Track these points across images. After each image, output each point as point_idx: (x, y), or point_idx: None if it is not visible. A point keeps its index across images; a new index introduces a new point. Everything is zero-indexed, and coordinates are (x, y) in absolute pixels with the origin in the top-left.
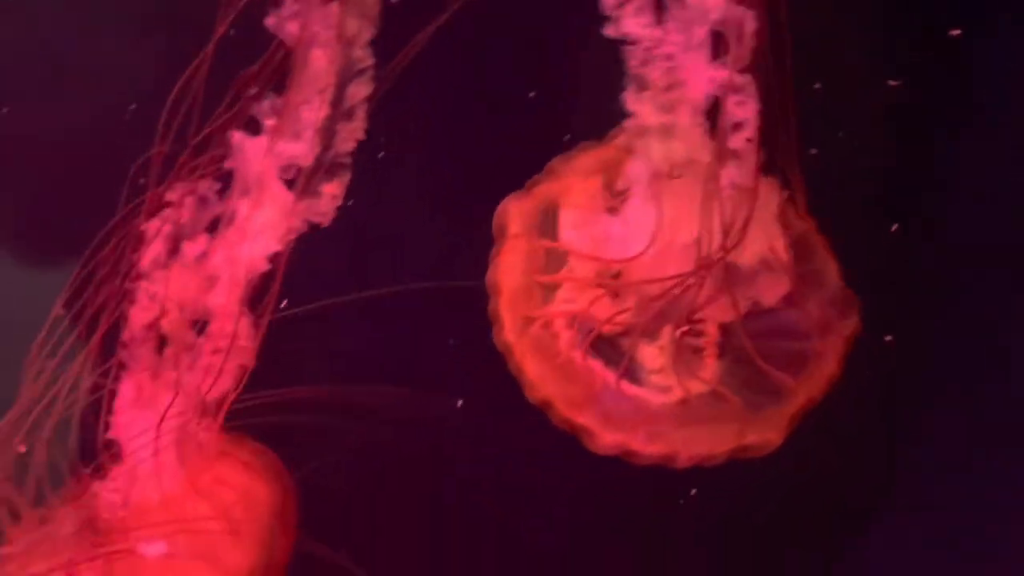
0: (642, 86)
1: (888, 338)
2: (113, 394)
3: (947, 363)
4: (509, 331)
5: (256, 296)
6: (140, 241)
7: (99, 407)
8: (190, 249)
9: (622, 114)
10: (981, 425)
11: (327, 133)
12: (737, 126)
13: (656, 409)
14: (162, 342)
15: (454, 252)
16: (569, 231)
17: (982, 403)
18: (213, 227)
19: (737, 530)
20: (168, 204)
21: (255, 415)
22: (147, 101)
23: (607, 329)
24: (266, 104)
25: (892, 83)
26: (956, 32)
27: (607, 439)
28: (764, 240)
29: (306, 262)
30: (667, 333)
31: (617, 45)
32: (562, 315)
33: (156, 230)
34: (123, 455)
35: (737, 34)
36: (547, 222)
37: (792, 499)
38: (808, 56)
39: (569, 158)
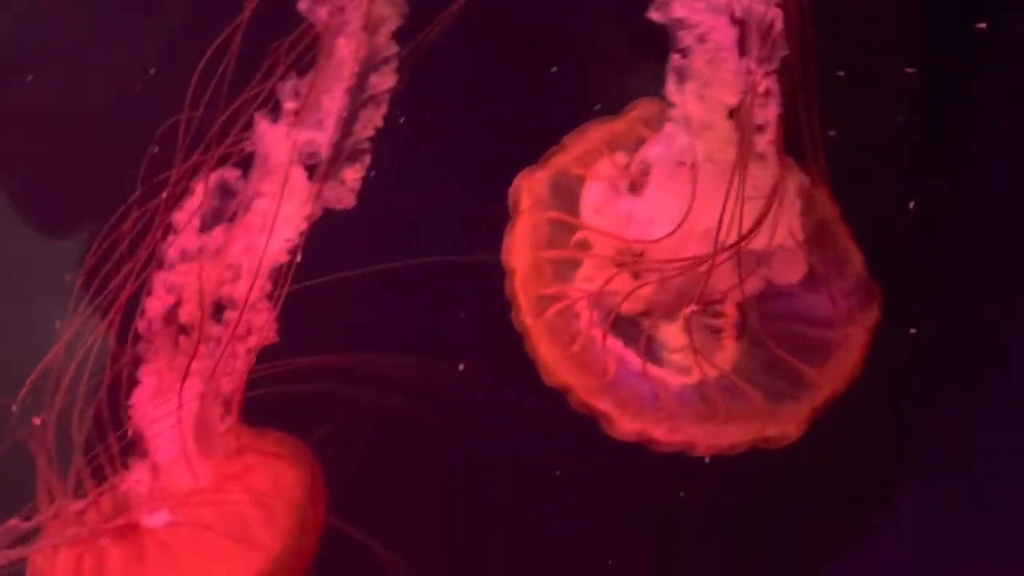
0: (684, 75)
1: (912, 331)
2: (132, 382)
3: (970, 354)
4: (526, 313)
5: (275, 273)
6: (158, 229)
7: (117, 392)
8: (209, 237)
9: (643, 89)
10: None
11: (349, 119)
12: (762, 114)
13: (676, 392)
14: (181, 330)
15: (475, 228)
16: (590, 209)
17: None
18: (233, 214)
19: (751, 521)
20: (189, 191)
21: (269, 384)
22: (173, 73)
23: (627, 308)
24: (289, 86)
25: (909, 70)
26: (982, 25)
27: (626, 426)
28: (784, 224)
29: (324, 234)
30: (686, 313)
31: (639, 19)
32: (581, 294)
33: (175, 219)
34: (146, 444)
35: (765, 31)
36: (565, 197)
37: (808, 491)
38: (832, 44)
39: (582, 131)
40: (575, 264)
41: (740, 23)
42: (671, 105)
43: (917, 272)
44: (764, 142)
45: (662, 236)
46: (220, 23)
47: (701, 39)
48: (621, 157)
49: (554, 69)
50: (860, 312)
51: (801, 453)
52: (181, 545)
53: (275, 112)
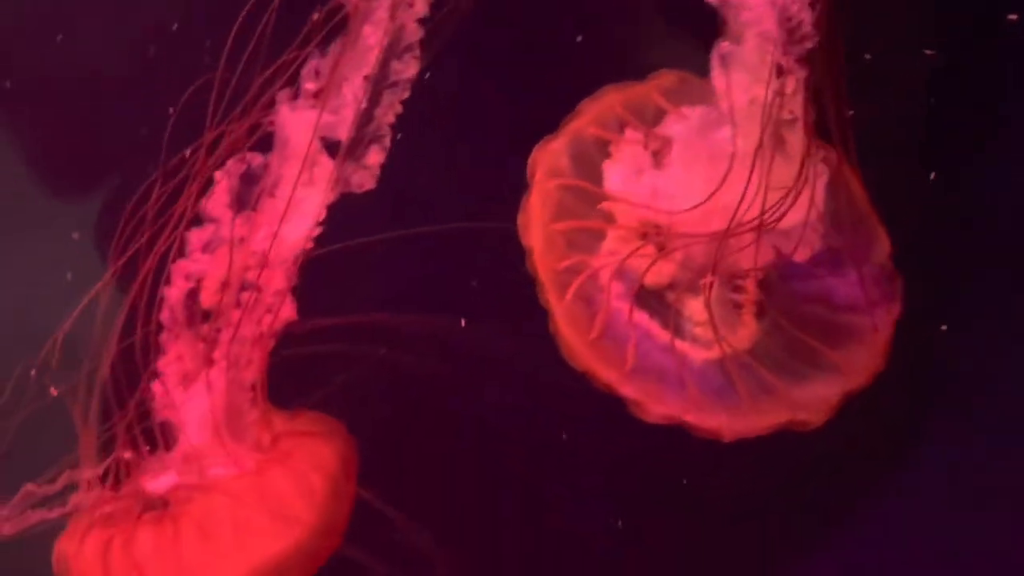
0: (726, 57)
1: (943, 327)
2: (154, 370)
3: (995, 342)
4: (548, 291)
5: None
6: (180, 208)
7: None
8: (232, 225)
9: (668, 61)
10: None
11: (370, 104)
12: (791, 97)
13: (699, 369)
14: (202, 317)
15: (496, 197)
16: (614, 181)
17: None
18: (255, 200)
19: (777, 505)
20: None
21: (285, 347)
22: (202, 35)
23: (652, 281)
24: (311, 67)
25: (928, 52)
26: (1013, 17)
27: (653, 410)
28: (806, 203)
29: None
30: (712, 286)
31: None
32: (604, 265)
33: (201, 207)
34: (175, 429)
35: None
36: (584, 162)
37: (831, 476)
38: (858, 28)
39: (597, 95)
40: (598, 235)
41: (777, 8)
42: (705, 79)
43: (941, 258)
44: (793, 124)
45: (687, 209)
46: None
47: (746, 23)
48: (638, 129)
49: (579, 38)
50: (886, 298)
51: (824, 440)
52: (216, 524)
53: (296, 94)
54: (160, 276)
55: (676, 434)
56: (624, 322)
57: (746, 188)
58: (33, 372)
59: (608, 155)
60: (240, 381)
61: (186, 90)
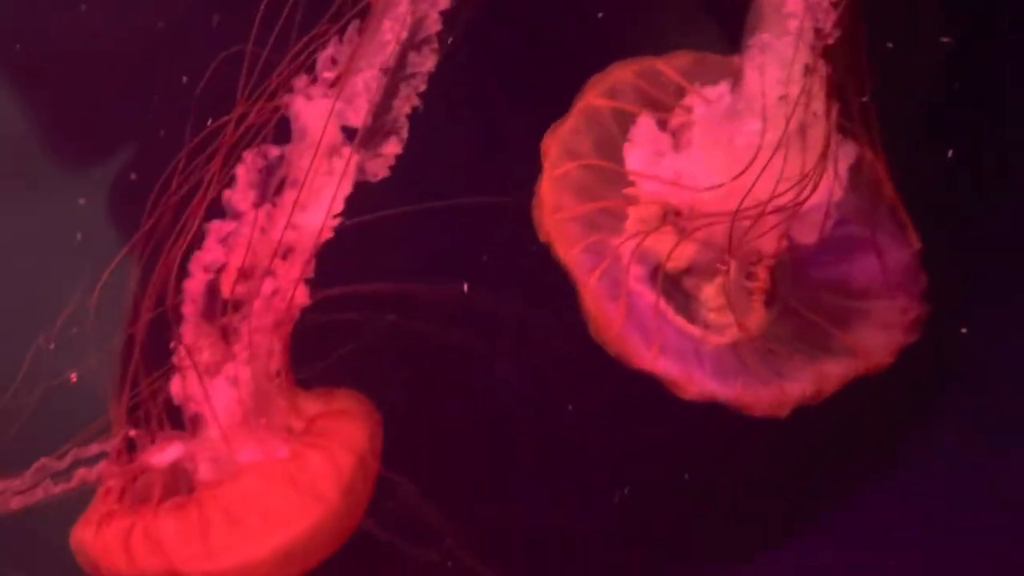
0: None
1: (964, 330)
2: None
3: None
4: (575, 276)
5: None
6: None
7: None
8: (252, 215)
9: (690, 42)
10: None
11: (388, 94)
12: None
13: (714, 352)
14: (223, 307)
15: (519, 175)
16: (634, 162)
17: None
18: (273, 191)
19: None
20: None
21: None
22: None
23: (670, 265)
24: (328, 55)
25: (945, 40)
26: None
27: (691, 389)
28: (828, 189)
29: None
30: (727, 271)
31: None
32: (625, 248)
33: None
34: (201, 418)
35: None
36: (600, 136)
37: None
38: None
39: (607, 72)
40: (619, 215)
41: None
42: (720, 59)
43: (960, 245)
44: (817, 114)
45: (707, 192)
46: None
47: (783, 17)
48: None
49: (601, 15)
50: (906, 286)
51: (829, 428)
52: (244, 508)
53: (313, 81)
54: (177, 259)
55: (690, 414)
56: (645, 304)
57: (768, 174)
58: (52, 346)
59: (627, 130)
60: (264, 370)
61: (195, 65)
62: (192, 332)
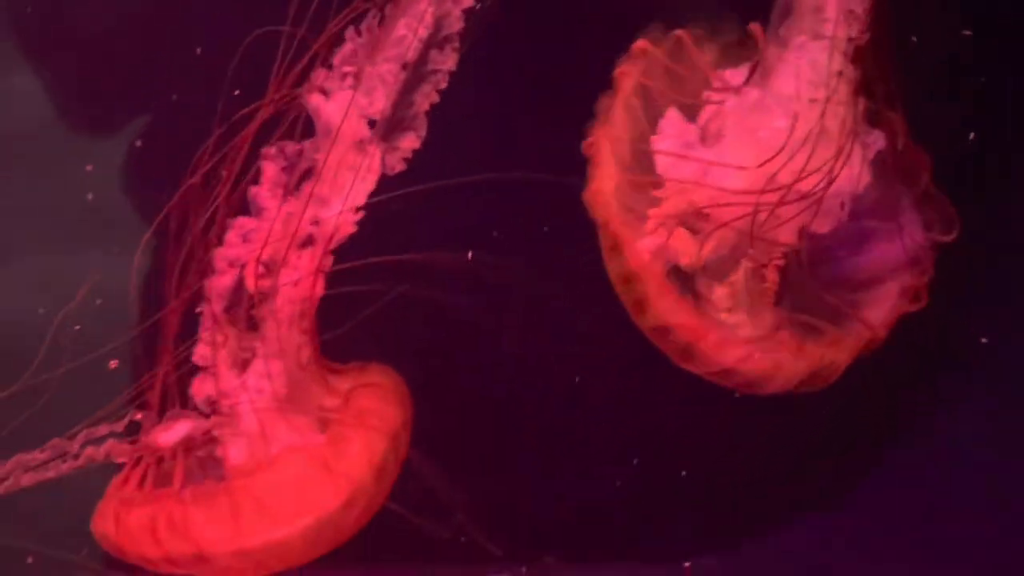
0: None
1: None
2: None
3: None
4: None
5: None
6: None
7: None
8: (276, 210)
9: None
10: None
11: (407, 90)
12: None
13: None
14: (249, 300)
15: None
16: (663, 159)
17: None
18: (295, 186)
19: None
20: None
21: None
22: None
23: (685, 263)
24: (347, 50)
25: (967, 32)
26: None
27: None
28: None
29: None
30: (740, 270)
31: None
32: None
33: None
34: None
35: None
36: (638, 124)
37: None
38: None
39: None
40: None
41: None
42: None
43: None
44: (844, 107)
45: (731, 183)
46: None
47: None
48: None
49: None
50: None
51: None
52: (277, 492)
53: (333, 76)
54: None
55: (698, 391)
56: None
57: (791, 168)
58: (78, 328)
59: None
60: (295, 359)
61: (212, 35)
62: (219, 326)
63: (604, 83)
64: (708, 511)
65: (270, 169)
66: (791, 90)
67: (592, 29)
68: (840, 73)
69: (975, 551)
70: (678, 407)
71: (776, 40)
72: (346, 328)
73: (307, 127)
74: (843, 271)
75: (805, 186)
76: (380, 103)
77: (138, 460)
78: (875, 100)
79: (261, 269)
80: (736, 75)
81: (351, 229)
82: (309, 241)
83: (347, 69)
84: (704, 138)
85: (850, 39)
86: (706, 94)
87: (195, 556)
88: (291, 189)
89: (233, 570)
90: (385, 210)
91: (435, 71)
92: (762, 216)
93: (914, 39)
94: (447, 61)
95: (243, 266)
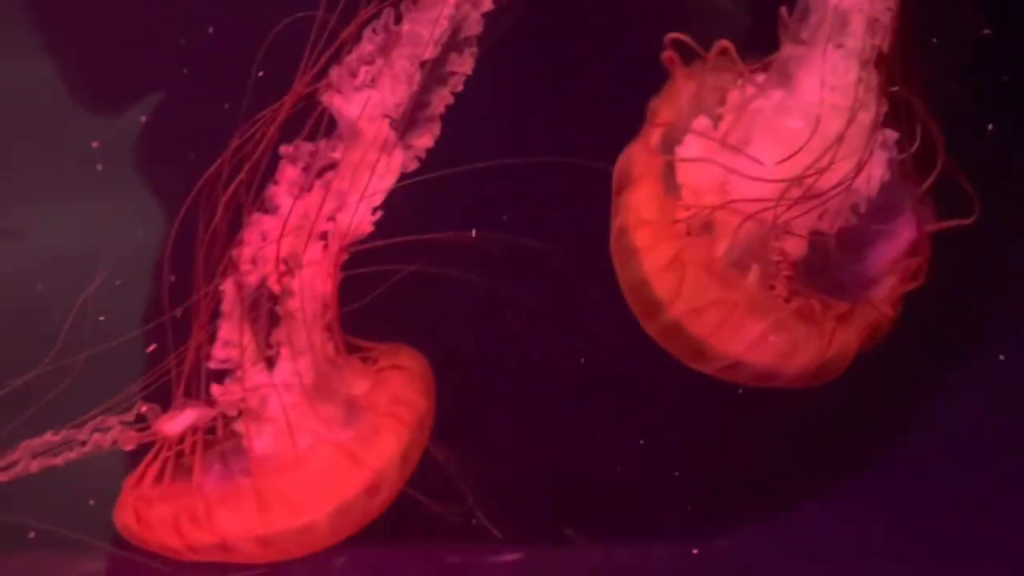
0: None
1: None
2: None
3: None
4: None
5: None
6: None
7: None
8: (294, 209)
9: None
10: None
11: (424, 90)
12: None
13: None
14: (270, 298)
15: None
16: (687, 166)
17: None
18: (311, 186)
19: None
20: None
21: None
22: None
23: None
24: (366, 50)
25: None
26: None
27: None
28: (865, 181)
29: None
30: (752, 272)
31: None
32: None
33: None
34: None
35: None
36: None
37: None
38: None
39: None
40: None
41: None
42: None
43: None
44: (866, 111)
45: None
46: None
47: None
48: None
49: None
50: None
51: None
52: (302, 487)
53: (351, 75)
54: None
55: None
56: None
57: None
58: (102, 318)
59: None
60: (320, 352)
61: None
62: (241, 324)
63: (621, 86)
64: (714, 499)
65: (288, 168)
66: (814, 95)
67: (606, 33)
68: (862, 79)
69: (976, 543)
70: (685, 395)
71: (796, 42)
72: (356, 306)
73: (329, 123)
74: (853, 269)
75: (824, 185)
76: (398, 102)
77: (157, 452)
78: (896, 102)
79: (282, 266)
80: (760, 78)
81: (369, 228)
82: (327, 238)
83: (365, 68)
84: (729, 144)
85: (874, 46)
86: (731, 94)
87: (218, 545)
88: (309, 187)
89: (255, 556)
90: (397, 194)
91: (452, 73)
92: (781, 212)
93: (934, 40)
94: (465, 64)
95: (264, 263)
